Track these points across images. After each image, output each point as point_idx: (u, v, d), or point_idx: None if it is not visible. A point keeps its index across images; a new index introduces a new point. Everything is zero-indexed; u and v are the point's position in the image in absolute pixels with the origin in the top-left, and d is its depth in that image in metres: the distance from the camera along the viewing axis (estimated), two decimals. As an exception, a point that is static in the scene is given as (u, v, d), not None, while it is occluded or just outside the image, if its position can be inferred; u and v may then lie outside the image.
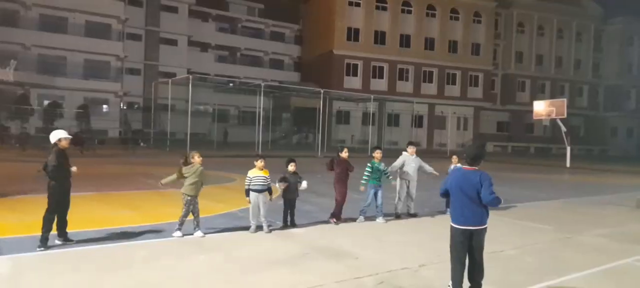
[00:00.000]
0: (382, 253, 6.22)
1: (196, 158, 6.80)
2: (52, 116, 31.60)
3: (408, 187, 8.89)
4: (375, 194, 8.21)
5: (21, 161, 17.84)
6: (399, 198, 8.88)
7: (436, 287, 4.84)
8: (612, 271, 5.82)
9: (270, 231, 7.10)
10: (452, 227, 4.34)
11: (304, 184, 7.53)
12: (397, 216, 8.78)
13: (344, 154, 8.20)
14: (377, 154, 8.34)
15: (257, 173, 7.06)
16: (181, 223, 6.62)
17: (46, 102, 34.24)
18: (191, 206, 6.62)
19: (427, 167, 9.11)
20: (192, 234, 6.63)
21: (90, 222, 7.41)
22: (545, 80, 53.28)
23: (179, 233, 6.56)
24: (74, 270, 5.06)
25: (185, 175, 6.68)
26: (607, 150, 55.23)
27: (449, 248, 4.44)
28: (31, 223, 6.46)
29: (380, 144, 35.45)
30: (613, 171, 25.48)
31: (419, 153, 9.41)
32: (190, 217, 6.69)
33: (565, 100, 30.28)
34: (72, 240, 6.12)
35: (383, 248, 6.48)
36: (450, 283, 4.38)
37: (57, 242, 6.01)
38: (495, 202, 4.22)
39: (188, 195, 6.62)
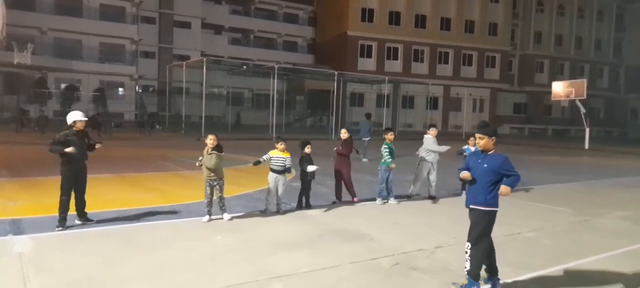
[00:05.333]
0: (397, 235, 6.21)
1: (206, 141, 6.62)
2: (69, 99, 32.04)
3: (430, 170, 8.85)
4: (388, 176, 8.19)
5: (40, 144, 18.16)
6: (419, 180, 8.83)
7: (453, 269, 4.81)
8: (633, 254, 5.72)
9: (284, 213, 7.13)
10: (495, 211, 4.26)
11: (312, 167, 7.48)
12: (409, 197, 8.75)
13: (343, 135, 8.24)
14: (390, 136, 8.29)
15: (277, 154, 7.08)
16: (206, 206, 6.54)
17: (63, 86, 34.72)
18: (208, 188, 6.53)
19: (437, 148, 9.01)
20: (221, 217, 6.59)
21: (109, 202, 7.52)
22: (565, 60, 52.07)
23: (206, 217, 6.51)
24: (93, 249, 5.15)
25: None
26: (627, 132, 54.08)
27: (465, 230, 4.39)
28: (50, 204, 6.58)
29: (394, 126, 35.27)
30: (633, 153, 24.95)
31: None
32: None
33: (584, 81, 29.59)
34: (92, 220, 6.22)
35: (398, 230, 6.46)
36: (466, 264, 4.29)
37: (77, 222, 6.12)
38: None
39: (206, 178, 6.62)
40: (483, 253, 4.23)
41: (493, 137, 4.27)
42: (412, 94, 41.18)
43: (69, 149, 5.84)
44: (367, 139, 15.82)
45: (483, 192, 4.18)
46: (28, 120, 27.94)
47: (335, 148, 8.33)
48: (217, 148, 6.55)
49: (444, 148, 8.86)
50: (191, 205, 7.53)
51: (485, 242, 4.24)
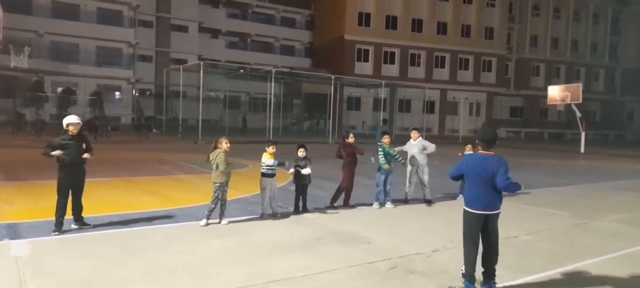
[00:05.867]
0: (394, 238, 6.21)
1: (222, 145, 6.59)
2: (66, 103, 31.99)
3: (418, 173, 8.86)
4: (386, 180, 8.21)
5: (36, 147, 18.07)
6: (409, 183, 8.88)
7: (450, 272, 4.82)
8: (629, 256, 5.74)
9: (281, 216, 7.13)
10: (467, 211, 4.30)
11: (307, 170, 7.46)
12: (406, 201, 8.77)
13: (350, 139, 8.22)
14: (386, 140, 8.34)
15: (266, 158, 7.10)
16: (208, 211, 6.50)
17: (60, 89, 34.65)
18: (219, 193, 6.50)
19: (429, 146, 8.99)
20: (218, 222, 6.57)
21: (106, 206, 7.50)
22: (561, 64, 52.34)
23: (204, 221, 6.46)
24: (90, 253, 5.13)
25: (211, 160, 6.62)
26: (623, 135, 54.34)
27: (461, 233, 4.41)
28: (46, 207, 6.56)
29: (390, 130, 35.30)
30: (629, 156, 25.06)
31: (430, 139, 9.35)
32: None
33: (580, 84, 29.72)
34: (89, 225, 6.19)
35: (395, 234, 6.47)
36: (463, 268, 4.35)
37: (74, 226, 6.09)
38: (511, 188, 4.15)
39: (213, 182, 6.56)
40: (466, 254, 4.30)
41: (477, 141, 4.44)
42: (409, 98, 41.29)
43: (55, 153, 5.82)
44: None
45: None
46: (24, 123, 27.86)
47: (345, 149, 8.18)
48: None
49: (403, 147, 9.03)
50: (188, 209, 7.53)
51: (467, 241, 4.30)
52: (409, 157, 8.91)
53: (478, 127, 37.53)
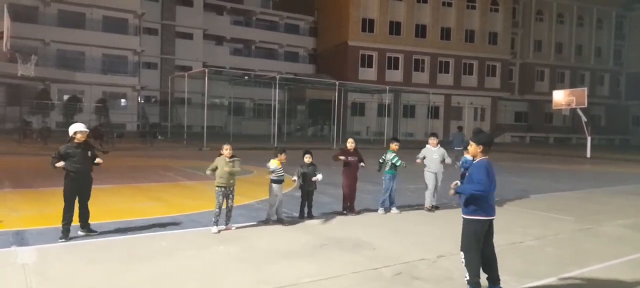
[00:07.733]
0: (399, 244, 6.21)
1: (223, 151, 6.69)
2: (72, 110, 32.21)
3: (436, 179, 8.78)
4: (390, 185, 8.18)
5: (43, 155, 18.20)
6: (429, 190, 8.71)
7: (455, 278, 4.81)
8: (635, 262, 5.71)
9: (286, 222, 7.14)
10: (479, 220, 4.23)
11: (319, 176, 7.52)
12: (432, 208, 8.61)
13: (349, 145, 8.19)
14: (394, 146, 8.30)
15: (275, 164, 7.14)
16: (214, 216, 6.53)
17: (66, 97, 34.90)
18: (222, 197, 6.53)
19: (447, 159, 8.99)
20: (225, 227, 6.59)
21: (112, 213, 7.54)
22: (565, 69, 52.21)
23: (214, 228, 6.47)
24: (96, 260, 5.16)
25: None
26: (629, 140, 54.01)
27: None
28: (53, 215, 6.60)
29: (396, 135, 35.27)
30: (635, 161, 24.91)
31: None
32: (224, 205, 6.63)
33: (585, 89, 29.63)
34: (95, 231, 6.22)
35: (400, 240, 6.46)
36: (467, 275, 4.31)
37: (80, 233, 6.13)
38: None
39: (216, 186, 6.60)
40: (472, 261, 4.23)
41: (480, 145, 4.30)
42: (413, 103, 41.29)
43: (59, 164, 5.91)
44: (459, 149, 16.67)
45: (466, 200, 4.24)
46: (31, 131, 28.04)
47: (343, 157, 8.16)
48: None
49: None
50: (193, 215, 7.55)
51: (473, 250, 4.23)
52: (429, 163, 8.75)
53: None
